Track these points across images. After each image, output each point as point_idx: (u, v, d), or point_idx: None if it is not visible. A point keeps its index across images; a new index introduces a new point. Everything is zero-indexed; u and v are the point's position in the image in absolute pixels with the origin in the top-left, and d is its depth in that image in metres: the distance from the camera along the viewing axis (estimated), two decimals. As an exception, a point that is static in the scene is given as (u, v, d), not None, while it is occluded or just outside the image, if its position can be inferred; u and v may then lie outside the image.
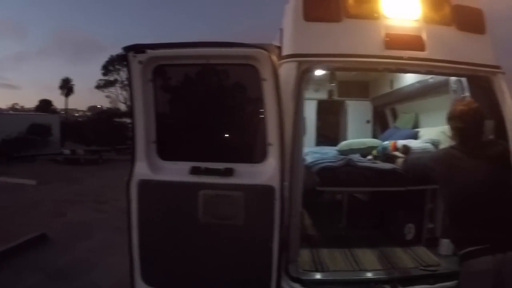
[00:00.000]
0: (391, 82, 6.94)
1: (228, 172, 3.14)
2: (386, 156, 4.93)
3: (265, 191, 3.07)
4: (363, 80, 8.06)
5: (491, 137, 3.76)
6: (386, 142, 5.16)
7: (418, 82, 5.65)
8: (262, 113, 3.12)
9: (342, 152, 5.50)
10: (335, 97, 8.24)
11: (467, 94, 4.22)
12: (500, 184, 3.01)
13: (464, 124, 3.12)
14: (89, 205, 12.72)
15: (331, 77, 6.24)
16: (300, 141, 3.79)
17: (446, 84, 4.79)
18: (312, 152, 5.88)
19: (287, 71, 3.61)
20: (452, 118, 3.20)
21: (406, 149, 4.50)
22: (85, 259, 7.30)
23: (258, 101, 3.11)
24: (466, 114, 3.13)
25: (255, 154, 3.24)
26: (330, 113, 8.82)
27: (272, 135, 3.10)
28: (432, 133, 5.31)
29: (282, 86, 3.36)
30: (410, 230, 4.68)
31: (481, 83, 4.11)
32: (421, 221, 4.73)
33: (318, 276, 3.84)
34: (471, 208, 3.00)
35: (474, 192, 3.00)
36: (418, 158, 3.64)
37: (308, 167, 4.44)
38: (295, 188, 3.58)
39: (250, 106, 3.36)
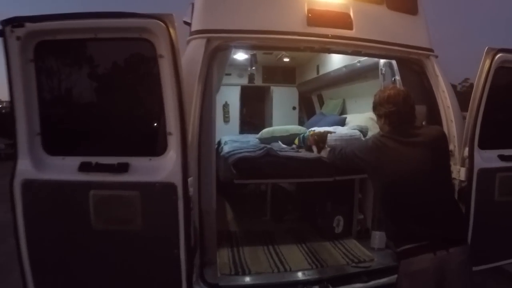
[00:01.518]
0: (318, 67, 6.61)
1: (122, 168, 2.54)
2: (307, 147, 4.45)
3: (165, 189, 2.51)
4: (289, 65, 7.70)
5: (424, 123, 3.49)
6: (306, 132, 4.61)
7: (345, 66, 5.33)
8: (160, 97, 2.54)
9: (263, 141, 5.02)
10: (259, 83, 7.93)
11: (397, 78, 3.89)
12: (438, 173, 2.67)
13: (395, 107, 2.72)
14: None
15: (251, 59, 5.74)
16: (211, 129, 3.29)
17: (374, 68, 4.47)
18: (232, 140, 5.34)
19: (195, 49, 3.09)
20: (381, 104, 2.80)
21: (323, 138, 3.99)
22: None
23: (156, 82, 2.52)
24: (396, 97, 2.75)
25: (154, 146, 2.65)
26: (255, 99, 8.51)
27: (171, 123, 2.53)
28: (360, 119, 4.98)
29: (189, 66, 2.88)
30: (339, 223, 4.33)
31: (413, 66, 3.82)
32: (350, 213, 4.40)
33: (238, 280, 3.37)
34: (407, 201, 2.61)
35: (409, 183, 2.61)
36: (344, 148, 3.24)
37: (225, 158, 3.93)
38: (205, 183, 3.10)
39: (147, 89, 2.72)
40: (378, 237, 4.06)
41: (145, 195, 2.52)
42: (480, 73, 3.23)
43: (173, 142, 2.52)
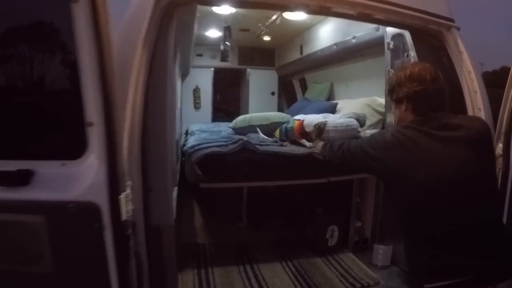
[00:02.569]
0: (301, 47, 5.76)
1: (23, 179, 1.55)
2: (291, 140, 3.54)
3: (82, 213, 1.54)
4: (269, 46, 6.85)
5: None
6: (290, 122, 3.65)
7: (336, 44, 4.45)
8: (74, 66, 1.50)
9: (238, 131, 3.98)
10: (234, 65, 7.11)
11: (412, 53, 3.02)
12: (483, 184, 1.90)
13: (421, 86, 1.97)
14: None
15: (225, 32, 4.78)
16: (166, 115, 2.29)
17: (375, 44, 3.65)
18: (201, 130, 4.40)
19: (140, 2, 2.09)
20: (401, 83, 2.04)
21: (320, 131, 3.14)
22: None
23: (68, 44, 1.50)
24: (422, 73, 2.00)
25: (67, 144, 1.64)
26: (230, 83, 7.80)
27: (91, 107, 1.53)
28: (354, 105, 4.15)
29: (131, 25, 1.98)
30: (333, 234, 3.48)
31: (430, 39, 2.96)
32: (347, 221, 3.56)
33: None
34: (443, 221, 1.83)
35: (447, 197, 1.83)
36: (347, 142, 2.39)
37: (188, 154, 3.00)
38: (158, 192, 2.15)
39: (54, 55, 1.75)
40: (382, 252, 3.27)
41: (53, 221, 1.56)
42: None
43: (95, 137, 1.53)
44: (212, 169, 2.75)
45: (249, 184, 3.36)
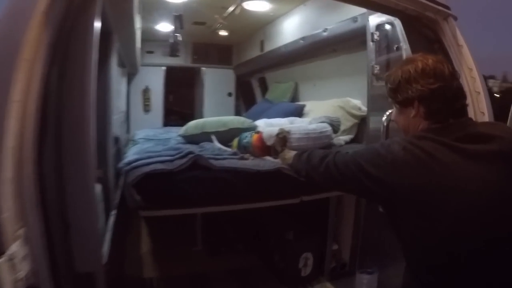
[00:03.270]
0: (262, 43, 5.21)
1: None
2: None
3: None
4: (225, 42, 6.30)
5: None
6: (247, 136, 2.86)
7: (304, 38, 3.91)
8: None
9: (189, 139, 3.19)
10: (188, 63, 6.53)
11: (403, 46, 2.50)
12: None
13: (440, 83, 1.48)
14: None
15: (175, 22, 4.11)
16: (88, 120, 1.50)
17: (351, 37, 3.19)
18: (146, 139, 3.59)
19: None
20: (410, 80, 1.54)
21: (285, 140, 2.50)
22: None
23: None
24: (439, 67, 1.51)
25: None
26: (184, 84, 7.20)
27: None
28: (325, 108, 3.59)
29: None
30: (307, 262, 2.90)
31: (424, 30, 2.50)
32: (323, 245, 2.99)
33: None
34: (481, 272, 1.34)
35: (479, 226, 1.35)
36: (331, 154, 1.81)
37: (125, 173, 2.25)
38: (80, 229, 1.46)
39: None
40: (367, 283, 2.73)
41: None
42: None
43: None
44: (154, 193, 2.07)
45: (203, 210, 2.65)
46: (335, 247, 3.06)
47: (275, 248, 3.04)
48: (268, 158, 2.58)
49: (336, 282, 2.95)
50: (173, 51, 4.72)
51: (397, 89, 1.57)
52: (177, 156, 2.28)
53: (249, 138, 2.80)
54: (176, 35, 4.42)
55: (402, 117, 1.61)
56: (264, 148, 2.63)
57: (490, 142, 1.43)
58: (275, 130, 2.60)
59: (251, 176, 2.29)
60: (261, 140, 2.66)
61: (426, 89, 1.48)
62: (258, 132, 2.78)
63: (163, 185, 2.11)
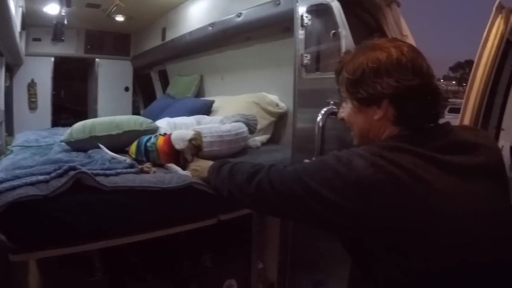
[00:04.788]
0: (164, 31, 4.67)
1: None
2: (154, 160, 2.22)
3: None
4: (123, 30, 5.70)
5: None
6: (151, 139, 2.29)
7: (213, 24, 3.43)
8: None
9: (75, 146, 2.53)
10: (80, 53, 5.80)
11: (343, 32, 2.09)
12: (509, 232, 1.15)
13: (418, 79, 1.14)
14: None
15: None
16: None
17: (270, 23, 2.78)
18: (23, 146, 2.77)
19: None
20: (380, 72, 1.16)
21: (198, 147, 2.06)
22: None
23: None
24: (417, 58, 1.18)
25: None
26: (76, 77, 6.66)
27: None
28: (237, 104, 3.17)
29: None
30: None
31: (364, 16, 2.19)
32: (247, 268, 2.49)
33: None
34: None
35: (472, 256, 1.06)
36: (267, 171, 1.33)
37: None
38: None
39: None
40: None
41: None
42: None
43: None
44: (24, 229, 1.41)
45: (90, 247, 1.95)
46: (260, 265, 2.61)
47: (191, 277, 2.49)
48: (174, 167, 2.07)
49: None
50: (57, 34, 3.98)
51: (359, 81, 1.20)
52: (54, 174, 1.62)
53: (154, 140, 2.24)
54: (62, 15, 3.69)
55: (361, 118, 1.25)
56: (172, 153, 2.12)
57: (476, 152, 1.16)
58: (188, 133, 2.09)
59: (154, 195, 1.72)
60: (168, 143, 2.13)
61: (402, 86, 1.14)
62: (165, 134, 2.25)
63: (37, 217, 1.47)
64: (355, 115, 1.27)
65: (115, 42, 6.05)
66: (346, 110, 1.30)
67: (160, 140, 2.20)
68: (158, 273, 2.61)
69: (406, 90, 1.14)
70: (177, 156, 2.12)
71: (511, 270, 1.12)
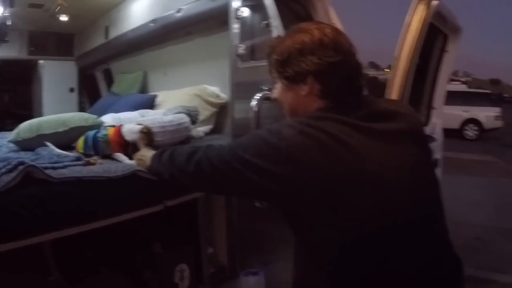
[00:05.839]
0: (107, 29, 4.57)
1: None
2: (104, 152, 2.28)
3: None
4: (66, 30, 5.44)
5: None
6: (102, 128, 2.47)
7: (155, 20, 3.45)
8: None
9: (23, 145, 2.52)
10: (23, 55, 5.52)
11: (274, 23, 2.20)
12: (436, 187, 1.34)
13: (340, 56, 1.24)
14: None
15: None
16: None
17: (208, 17, 2.87)
18: None
19: None
20: (304, 51, 1.27)
21: (150, 137, 2.11)
22: None
23: None
24: (338, 38, 1.28)
25: None
26: (21, 81, 6.26)
27: None
28: (180, 97, 3.21)
29: None
30: (183, 274, 2.42)
31: (294, 6, 2.35)
32: (197, 252, 2.54)
33: None
34: (400, 259, 1.19)
35: (399, 216, 1.17)
36: (205, 150, 1.41)
37: None
38: None
39: None
40: (254, 285, 2.41)
41: None
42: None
43: None
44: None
45: (45, 238, 1.93)
46: (211, 250, 2.67)
47: (144, 265, 2.53)
48: (122, 157, 2.13)
49: (218, 290, 2.56)
50: (1, 35, 3.81)
51: (286, 61, 1.29)
52: (4, 170, 1.63)
53: (105, 131, 2.30)
54: (5, 16, 3.58)
55: (291, 95, 1.34)
56: (122, 144, 2.19)
57: (396, 119, 1.26)
58: (138, 126, 2.17)
59: (101, 185, 1.78)
60: (119, 133, 2.20)
61: (324, 63, 1.23)
62: (114, 126, 2.33)
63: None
64: (285, 93, 1.35)
65: (58, 42, 5.79)
66: (277, 89, 1.39)
67: (111, 131, 2.26)
68: (112, 265, 2.63)
69: (329, 67, 1.23)
70: (126, 147, 2.18)
71: (433, 226, 1.28)
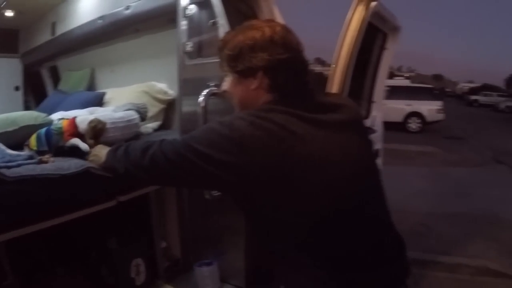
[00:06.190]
0: (54, 26, 4.37)
1: None
2: (59, 148, 2.22)
3: None
4: (10, 26, 5.14)
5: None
6: (55, 122, 2.39)
7: (103, 17, 3.38)
8: None
9: None
10: None
11: (220, 21, 2.24)
12: (377, 174, 1.47)
13: (288, 53, 1.33)
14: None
15: None
16: None
17: (157, 14, 2.84)
18: None
19: None
20: (255, 48, 1.32)
21: (98, 131, 2.02)
22: None
23: None
24: (287, 36, 1.36)
25: None
26: None
27: None
28: (128, 94, 3.18)
29: None
30: (139, 269, 2.45)
31: (240, 5, 2.35)
32: (151, 246, 2.57)
33: None
34: (346, 238, 1.30)
35: (345, 199, 1.28)
36: (159, 144, 1.42)
37: None
38: None
39: None
40: (209, 275, 2.47)
41: None
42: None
43: None
44: None
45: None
46: (164, 244, 2.70)
47: (99, 262, 2.51)
48: (78, 141, 2.12)
49: (175, 282, 2.60)
50: None
51: (237, 56, 1.36)
52: None
53: (59, 124, 2.27)
54: None
55: (241, 88, 1.40)
56: (77, 135, 2.17)
57: (339, 111, 1.36)
58: (90, 117, 2.17)
59: (55, 182, 1.76)
60: (74, 125, 2.19)
61: (273, 59, 1.31)
62: (69, 118, 2.28)
63: None
64: (235, 86, 1.41)
65: (2, 38, 5.36)
66: (227, 82, 1.44)
67: (65, 122, 2.24)
68: (68, 264, 2.59)
69: (278, 63, 1.31)
70: (81, 138, 2.14)
71: (376, 208, 1.39)
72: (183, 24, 2.42)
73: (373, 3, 2.72)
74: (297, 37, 1.38)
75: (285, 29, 1.37)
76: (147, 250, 2.54)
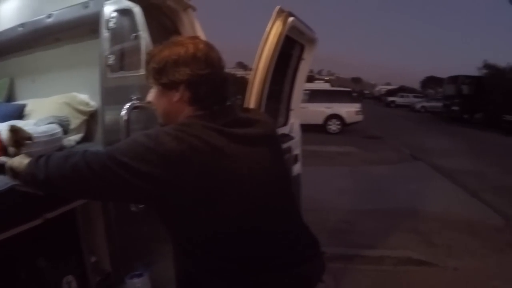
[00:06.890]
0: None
1: None
2: None
3: None
4: None
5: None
6: None
7: (24, 25, 3.20)
8: None
9: None
10: None
11: (142, 34, 2.25)
12: (290, 184, 1.67)
13: (210, 69, 1.40)
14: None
15: None
16: None
17: (80, 24, 2.76)
18: None
19: None
20: (179, 63, 1.39)
21: (19, 139, 1.83)
22: None
23: None
24: (210, 53, 1.43)
25: None
26: None
27: None
28: (49, 106, 3.02)
29: None
30: (71, 285, 2.35)
31: (162, 19, 2.45)
32: (81, 262, 2.46)
33: None
34: (265, 240, 1.41)
35: (262, 209, 1.41)
36: (83, 154, 1.38)
37: None
38: None
39: None
40: (142, 286, 2.47)
41: None
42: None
43: None
44: None
45: None
46: (94, 259, 2.62)
47: (30, 282, 2.35)
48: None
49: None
50: None
51: (162, 70, 1.42)
52: None
53: None
54: None
55: (164, 100, 1.46)
56: (2, 148, 2.04)
57: (255, 126, 1.46)
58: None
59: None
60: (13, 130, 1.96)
61: (195, 74, 1.38)
62: None
63: None
64: (159, 98, 1.46)
65: None
66: (152, 94, 1.49)
67: None
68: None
69: (199, 77, 1.38)
70: (5, 150, 1.99)
71: (289, 213, 1.54)
72: (106, 35, 2.39)
73: (291, 19, 2.84)
74: (219, 53, 1.46)
75: (208, 46, 1.44)
76: (77, 266, 2.46)
